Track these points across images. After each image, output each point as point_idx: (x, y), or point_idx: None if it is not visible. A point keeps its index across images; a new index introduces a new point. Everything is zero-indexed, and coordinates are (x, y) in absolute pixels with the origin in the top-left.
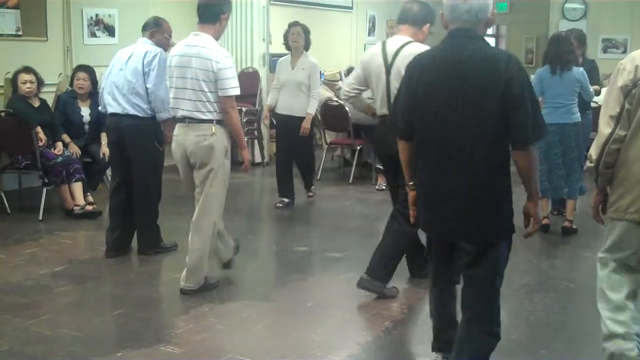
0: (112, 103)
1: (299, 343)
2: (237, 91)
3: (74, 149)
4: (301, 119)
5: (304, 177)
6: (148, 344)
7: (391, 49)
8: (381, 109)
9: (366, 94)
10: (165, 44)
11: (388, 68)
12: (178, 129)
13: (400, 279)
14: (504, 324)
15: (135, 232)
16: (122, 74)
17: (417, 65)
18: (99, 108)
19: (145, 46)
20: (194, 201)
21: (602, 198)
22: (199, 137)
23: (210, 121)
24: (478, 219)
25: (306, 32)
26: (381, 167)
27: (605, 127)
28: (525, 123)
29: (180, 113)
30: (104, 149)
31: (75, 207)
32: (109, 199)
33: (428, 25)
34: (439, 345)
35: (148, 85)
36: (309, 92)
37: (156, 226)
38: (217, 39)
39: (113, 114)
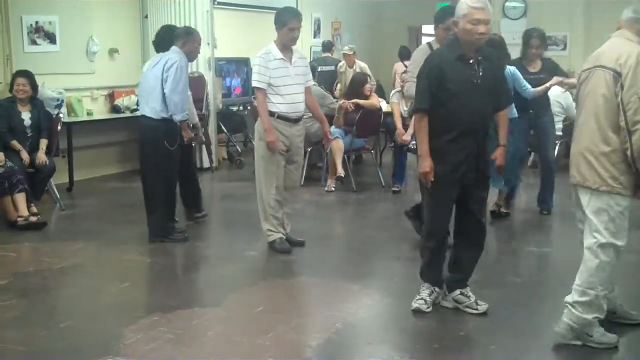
0: (138, 105)
1: (250, 349)
2: (255, 84)
3: (25, 156)
4: None
5: None
6: (97, 356)
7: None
8: None
9: None
10: (195, 53)
11: None
12: None
13: (352, 281)
14: (452, 320)
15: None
16: (146, 79)
17: None
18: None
19: (168, 54)
20: None
21: None
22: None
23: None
24: None
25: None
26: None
27: None
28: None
29: None
30: (39, 155)
31: (19, 219)
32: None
33: (439, 25)
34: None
35: (165, 90)
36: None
37: (161, 216)
38: (278, 43)
39: (140, 115)
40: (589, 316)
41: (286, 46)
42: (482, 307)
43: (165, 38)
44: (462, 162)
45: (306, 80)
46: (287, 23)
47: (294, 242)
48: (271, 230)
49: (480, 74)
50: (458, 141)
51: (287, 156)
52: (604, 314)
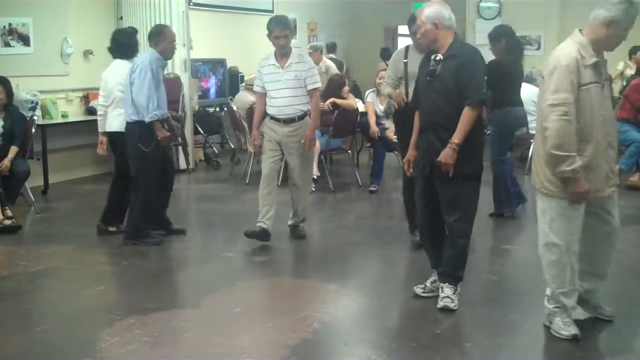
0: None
1: (227, 350)
2: (254, 88)
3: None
4: None
5: None
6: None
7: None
8: None
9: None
10: (170, 50)
11: None
12: None
13: (329, 281)
14: (429, 319)
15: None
16: (125, 84)
17: None
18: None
19: (138, 58)
20: None
21: None
22: None
23: None
24: None
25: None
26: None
27: None
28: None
29: None
30: (5, 163)
31: None
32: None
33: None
34: None
35: (133, 93)
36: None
37: (137, 220)
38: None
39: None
40: (550, 306)
41: (279, 53)
42: (441, 303)
43: (123, 43)
44: (423, 154)
45: (306, 84)
46: (271, 31)
47: (296, 234)
48: (258, 220)
49: (437, 72)
50: (421, 135)
51: (284, 156)
52: (567, 307)
